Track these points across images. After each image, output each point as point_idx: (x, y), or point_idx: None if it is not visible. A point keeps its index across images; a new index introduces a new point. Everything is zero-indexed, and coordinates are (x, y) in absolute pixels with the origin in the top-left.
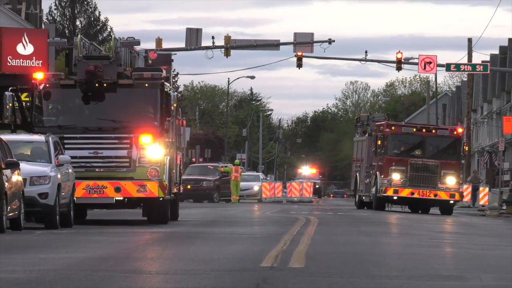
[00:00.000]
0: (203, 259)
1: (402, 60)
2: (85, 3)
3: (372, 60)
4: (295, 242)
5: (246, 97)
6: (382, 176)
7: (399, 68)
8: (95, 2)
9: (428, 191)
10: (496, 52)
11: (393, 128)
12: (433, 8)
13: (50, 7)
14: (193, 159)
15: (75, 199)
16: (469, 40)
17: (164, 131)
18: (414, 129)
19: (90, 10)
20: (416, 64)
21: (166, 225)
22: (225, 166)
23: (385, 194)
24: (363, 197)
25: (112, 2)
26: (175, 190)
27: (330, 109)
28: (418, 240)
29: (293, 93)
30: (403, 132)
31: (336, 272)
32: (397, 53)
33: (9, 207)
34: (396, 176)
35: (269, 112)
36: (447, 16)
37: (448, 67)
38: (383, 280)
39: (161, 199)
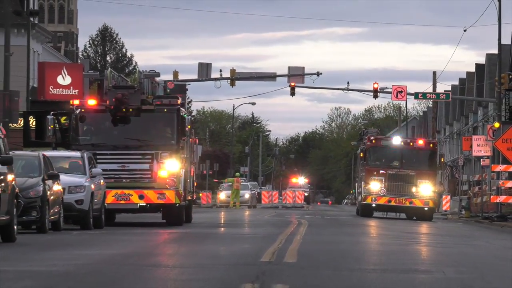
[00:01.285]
0: (212, 255)
1: (378, 90)
2: (114, 42)
3: (352, 90)
4: (289, 241)
5: (248, 120)
6: (364, 185)
7: (375, 96)
8: (122, 41)
9: (404, 199)
10: (456, 83)
11: (373, 141)
12: (403, 46)
13: (85, 45)
14: (204, 172)
15: (105, 205)
16: (434, 73)
17: (180, 148)
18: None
19: (118, 48)
20: (390, 93)
21: (182, 226)
22: (229, 178)
23: (364, 202)
24: (358, 205)
25: (137, 41)
26: (189, 198)
27: (318, 130)
28: (392, 239)
29: (287, 117)
30: (382, 145)
31: (323, 266)
32: (373, 83)
33: (50, 212)
34: (375, 185)
35: (267, 133)
36: (415, 53)
37: (416, 95)
38: (362, 273)
39: (177, 205)
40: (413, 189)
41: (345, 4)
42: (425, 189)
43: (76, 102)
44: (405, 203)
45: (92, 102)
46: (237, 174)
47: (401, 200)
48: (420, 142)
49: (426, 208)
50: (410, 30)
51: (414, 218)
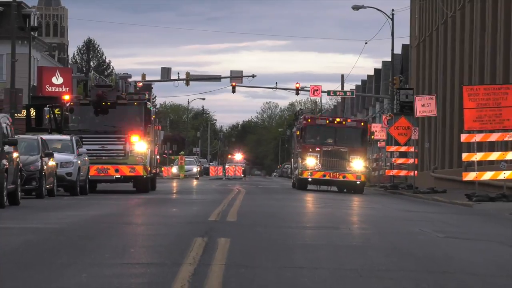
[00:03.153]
0: (171, 215)
1: (299, 88)
2: (96, 51)
3: (279, 88)
4: (230, 205)
5: (199, 111)
6: (301, 161)
7: (297, 93)
8: (102, 51)
9: (338, 173)
10: (359, 83)
11: (309, 120)
12: (317, 55)
13: (74, 54)
14: (165, 151)
15: (89, 177)
16: (342, 76)
17: (146, 133)
18: (327, 121)
19: (99, 55)
20: (308, 91)
21: (148, 193)
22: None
23: (301, 177)
24: (294, 179)
25: (114, 50)
26: (154, 171)
27: (253, 120)
28: (311, 204)
29: (229, 109)
30: (317, 124)
31: (257, 224)
32: (295, 84)
33: (47, 182)
34: (311, 161)
35: (214, 121)
36: (327, 60)
37: (328, 92)
38: (287, 229)
39: (145, 176)
40: (346, 164)
41: (272, 22)
42: (357, 164)
43: (67, 97)
44: (339, 177)
45: (78, 97)
46: (181, 152)
47: (335, 174)
48: (352, 121)
49: (358, 182)
50: (322, 42)
51: (345, 190)
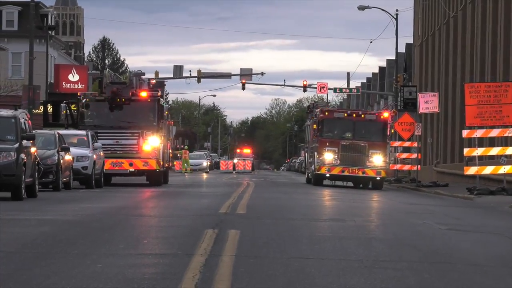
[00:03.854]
0: (183, 208)
1: (306, 86)
2: (111, 49)
3: (287, 85)
4: (240, 197)
5: (210, 107)
6: (318, 156)
7: (304, 90)
8: (117, 49)
9: (357, 169)
10: (365, 81)
11: (326, 113)
12: (323, 53)
13: (89, 52)
14: (177, 146)
15: (104, 170)
16: (348, 73)
17: (159, 128)
18: (345, 114)
19: (114, 53)
20: (315, 88)
21: (160, 186)
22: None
23: (318, 172)
24: (309, 174)
25: (128, 49)
26: (166, 165)
27: (262, 116)
28: (318, 197)
29: (239, 105)
30: (335, 117)
31: (265, 216)
32: (303, 81)
33: (63, 175)
34: (328, 156)
35: (224, 117)
36: (333, 59)
37: (335, 90)
38: (294, 221)
39: (157, 170)
40: (366, 160)
41: (280, 22)
42: (377, 159)
43: (83, 94)
44: (358, 173)
45: (94, 94)
46: (185, 147)
47: (354, 170)
48: (372, 113)
49: (378, 178)
50: (328, 41)
51: (361, 186)
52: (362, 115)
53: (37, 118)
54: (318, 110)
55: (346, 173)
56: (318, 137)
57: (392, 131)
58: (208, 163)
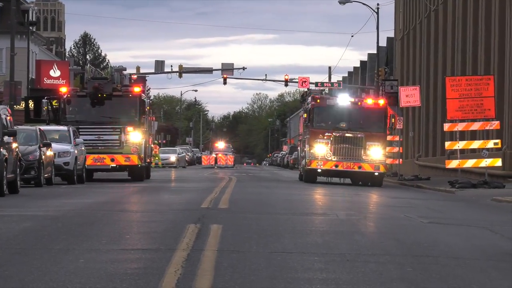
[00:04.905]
0: (165, 203)
1: (288, 80)
2: (92, 45)
3: (269, 80)
4: (222, 192)
5: (192, 102)
6: (308, 149)
7: (286, 85)
8: (98, 44)
9: (352, 163)
10: (346, 75)
11: (318, 101)
12: (303, 48)
13: (71, 47)
14: (159, 141)
15: (86, 166)
16: (329, 67)
17: (141, 124)
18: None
19: (95, 49)
20: (297, 82)
21: (142, 182)
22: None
23: (309, 167)
24: (300, 170)
25: (109, 44)
26: (148, 160)
27: (244, 110)
28: (299, 191)
29: (221, 100)
30: (327, 105)
31: (247, 210)
32: (285, 75)
33: (45, 171)
34: (320, 149)
35: (206, 112)
36: (314, 53)
37: (316, 84)
38: (276, 215)
39: (139, 165)
40: (362, 153)
41: (260, 17)
42: (375, 153)
43: (64, 89)
44: (354, 167)
45: (75, 89)
46: (155, 142)
47: (349, 164)
48: (369, 101)
49: (376, 173)
50: (309, 36)
51: (360, 183)
52: (359, 102)
53: (18, 114)
54: (310, 97)
55: (340, 168)
56: (309, 127)
57: (393, 120)
58: (176, 158)
